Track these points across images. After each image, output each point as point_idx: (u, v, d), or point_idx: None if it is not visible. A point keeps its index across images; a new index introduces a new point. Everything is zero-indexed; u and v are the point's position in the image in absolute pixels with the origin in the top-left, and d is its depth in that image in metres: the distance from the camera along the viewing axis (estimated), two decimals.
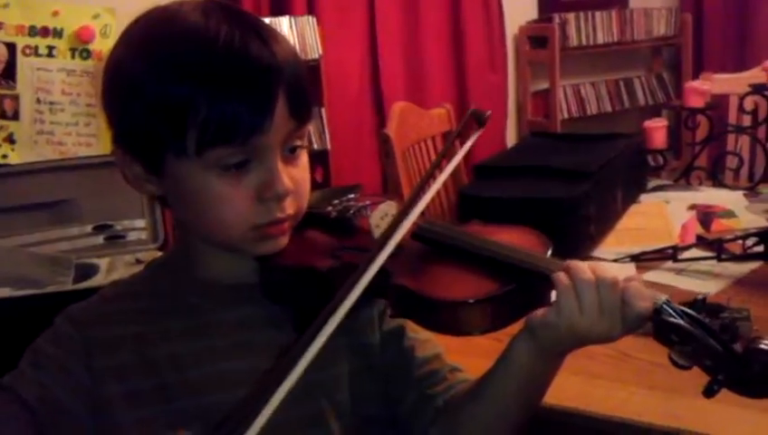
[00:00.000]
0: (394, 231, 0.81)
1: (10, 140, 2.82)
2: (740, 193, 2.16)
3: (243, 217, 0.83)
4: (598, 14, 4.47)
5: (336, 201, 0.99)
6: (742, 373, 0.72)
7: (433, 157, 2.27)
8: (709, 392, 0.74)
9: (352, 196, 1.00)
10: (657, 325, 0.76)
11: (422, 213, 0.86)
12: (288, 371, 0.68)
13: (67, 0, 2.83)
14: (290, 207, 0.85)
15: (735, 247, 1.62)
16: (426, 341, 0.97)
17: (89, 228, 2.35)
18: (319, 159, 3.20)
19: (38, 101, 2.86)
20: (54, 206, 2.40)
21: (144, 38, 0.83)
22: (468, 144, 0.94)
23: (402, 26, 3.72)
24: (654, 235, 1.82)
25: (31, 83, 2.86)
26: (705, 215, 1.94)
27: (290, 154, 0.85)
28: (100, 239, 2.35)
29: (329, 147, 3.24)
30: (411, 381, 0.94)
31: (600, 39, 4.49)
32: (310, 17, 3.21)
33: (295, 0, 3.29)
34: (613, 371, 1.22)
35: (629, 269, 1.61)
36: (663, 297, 0.77)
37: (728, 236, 1.64)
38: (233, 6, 0.86)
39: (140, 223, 2.35)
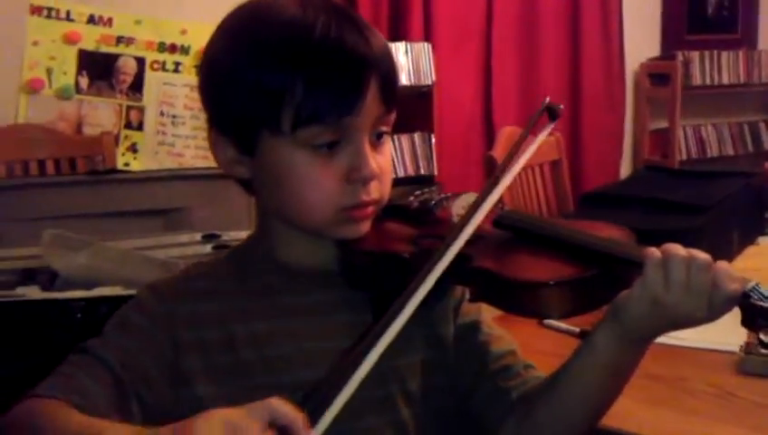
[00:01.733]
0: (472, 216, 0.83)
1: (133, 149, 2.97)
2: None
3: (329, 197, 0.85)
4: (724, 53, 4.32)
5: (418, 192, 1.00)
6: None
7: (540, 184, 2.24)
8: None
9: (434, 188, 1.01)
10: (745, 309, 0.76)
11: (501, 202, 0.87)
12: (367, 352, 0.70)
13: (195, 19, 2.96)
14: (374, 192, 0.87)
15: None
16: (500, 337, 0.98)
17: (198, 237, 2.42)
18: (425, 185, 3.20)
19: (162, 113, 3.01)
20: (168, 213, 2.49)
21: (242, 28, 0.88)
22: (542, 136, 0.95)
23: (518, 56, 3.71)
24: None
25: (156, 97, 3.01)
26: None
27: (377, 140, 0.88)
28: (207, 248, 2.42)
29: (435, 172, 3.25)
30: (485, 374, 0.95)
31: (726, 79, 4.34)
32: (425, 44, 3.24)
33: (412, 26, 3.33)
34: (714, 408, 1.16)
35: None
36: (753, 282, 0.77)
37: None
38: None
39: (245, 234, 2.41)
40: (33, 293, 1.89)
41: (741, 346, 1.36)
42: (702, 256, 0.78)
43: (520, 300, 0.82)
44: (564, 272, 0.81)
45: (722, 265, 0.79)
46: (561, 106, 0.96)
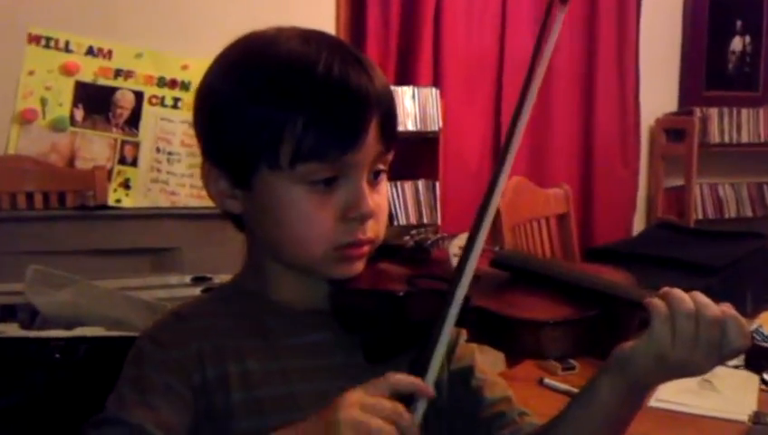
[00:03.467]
0: (472, 250, 0.83)
1: (126, 185, 2.99)
2: None
3: (325, 234, 0.86)
4: (744, 111, 4.35)
5: (414, 232, 1.02)
6: None
7: (546, 238, 2.24)
8: None
9: (429, 228, 1.02)
10: (749, 352, 0.78)
11: (493, 237, 0.88)
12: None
13: (198, 55, 2.99)
14: (371, 231, 0.88)
15: None
16: (495, 383, 0.99)
17: (187, 279, 2.42)
18: None
19: (158, 150, 3.03)
20: (158, 253, 2.50)
21: (243, 60, 0.89)
22: (555, 33, 0.87)
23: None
24: None
25: (153, 132, 3.03)
26: None
27: (374, 179, 0.90)
28: (196, 291, 2.41)
29: (439, 222, 3.25)
30: (478, 421, 0.96)
31: (745, 138, 4.36)
32: (433, 89, 3.27)
33: (421, 70, 3.37)
34: None
35: (753, 377, 1.52)
36: (755, 323, 0.76)
37: None
38: (332, 36, 0.92)
39: None
40: (11, 330, 1.89)
41: (749, 416, 1.35)
42: (711, 310, 0.78)
43: (519, 339, 0.83)
44: (564, 312, 0.82)
45: (730, 316, 0.78)
46: None
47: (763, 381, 0.77)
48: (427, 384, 0.74)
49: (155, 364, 0.87)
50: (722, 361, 0.79)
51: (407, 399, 0.73)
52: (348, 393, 0.72)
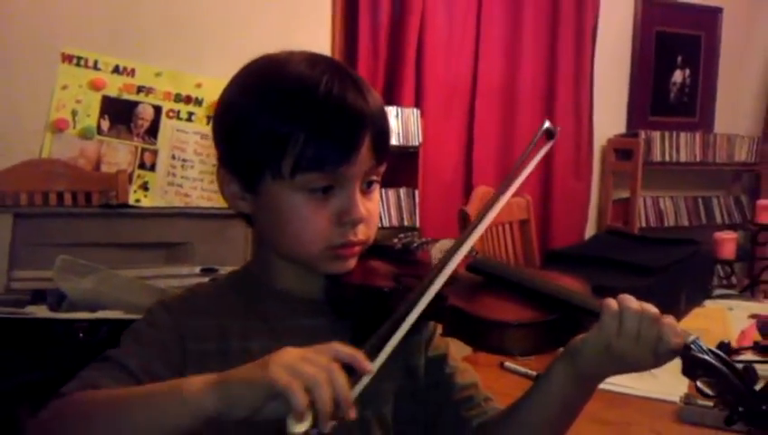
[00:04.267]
0: (450, 260, 0.84)
1: (145, 187, 2.97)
2: None
3: (321, 236, 0.87)
4: (683, 134, 4.38)
5: (402, 235, 1.02)
6: (759, 408, 0.75)
7: (509, 240, 2.24)
8: (729, 422, 0.77)
9: (416, 232, 1.02)
10: (686, 360, 0.78)
11: (474, 250, 0.88)
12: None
13: (210, 75, 2.99)
14: (362, 233, 0.89)
15: None
16: (465, 370, 0.99)
17: (197, 270, 2.41)
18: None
19: (173, 157, 3.02)
20: (172, 247, 2.48)
21: (257, 78, 0.90)
22: (539, 157, 0.97)
23: (498, 124, 3.74)
24: (712, 337, 1.72)
25: (169, 142, 3.02)
26: (765, 324, 1.83)
27: (367, 188, 0.90)
28: (205, 280, 2.40)
29: (418, 224, 3.26)
30: (449, 403, 0.96)
31: (683, 157, 4.38)
32: (415, 109, 3.28)
33: (404, 92, 3.37)
34: None
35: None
36: (693, 335, 0.79)
37: None
38: (336, 60, 0.93)
39: None
40: (41, 312, 1.88)
41: (681, 397, 1.37)
42: (652, 310, 0.81)
43: (486, 337, 0.84)
44: (527, 315, 0.83)
45: (668, 320, 0.81)
46: (558, 127, 0.99)
47: (698, 390, 0.78)
48: (366, 361, 0.70)
49: (158, 325, 0.88)
50: (658, 360, 0.80)
51: (350, 372, 0.69)
52: (288, 347, 0.69)
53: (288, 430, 0.64)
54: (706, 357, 0.77)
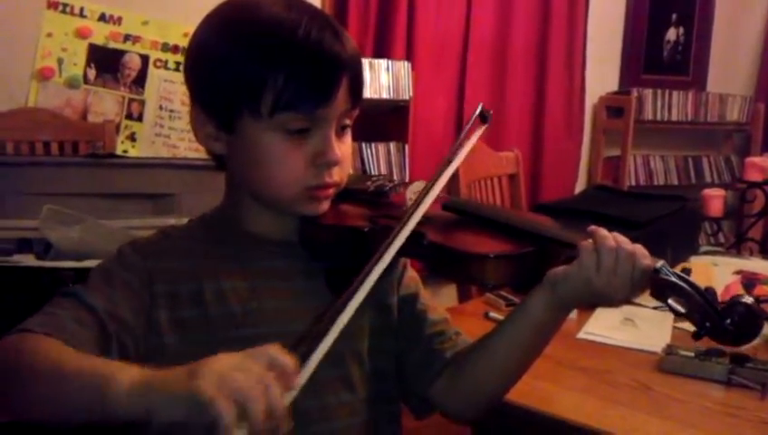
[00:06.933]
0: (423, 200, 0.87)
1: (132, 137, 2.95)
2: None
3: (296, 177, 0.88)
4: (675, 93, 4.37)
5: (375, 177, 1.03)
6: (722, 324, 0.80)
7: (498, 193, 2.25)
8: (696, 337, 0.83)
9: (386, 174, 1.03)
10: (655, 282, 0.82)
11: (450, 190, 0.90)
12: (339, 313, 0.72)
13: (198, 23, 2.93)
14: (336, 175, 0.90)
15: None
16: (435, 307, 1.02)
17: (184, 220, 2.40)
18: None
19: (161, 107, 2.98)
20: (159, 198, 2.47)
21: (233, 18, 0.89)
22: (474, 139, 1.00)
23: (489, 81, 3.72)
24: None
25: (157, 92, 2.98)
26: (749, 280, 1.85)
27: (341, 131, 0.91)
28: None
29: (408, 179, 3.25)
30: (422, 338, 0.99)
31: (675, 116, 4.38)
32: (406, 62, 3.24)
33: (395, 45, 3.32)
34: (633, 399, 1.18)
35: (667, 317, 1.55)
36: (661, 261, 0.83)
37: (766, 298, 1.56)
38: (311, 4, 0.91)
39: None
40: (28, 260, 1.88)
41: (663, 348, 1.38)
42: (627, 246, 0.84)
43: (466, 270, 0.86)
44: (504, 247, 0.86)
45: (638, 247, 0.84)
46: (491, 111, 1.01)
47: (670, 308, 0.82)
48: (298, 374, 0.65)
49: (127, 265, 0.87)
50: (633, 289, 0.83)
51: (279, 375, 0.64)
52: (221, 354, 0.64)
53: None
54: (673, 278, 0.81)
